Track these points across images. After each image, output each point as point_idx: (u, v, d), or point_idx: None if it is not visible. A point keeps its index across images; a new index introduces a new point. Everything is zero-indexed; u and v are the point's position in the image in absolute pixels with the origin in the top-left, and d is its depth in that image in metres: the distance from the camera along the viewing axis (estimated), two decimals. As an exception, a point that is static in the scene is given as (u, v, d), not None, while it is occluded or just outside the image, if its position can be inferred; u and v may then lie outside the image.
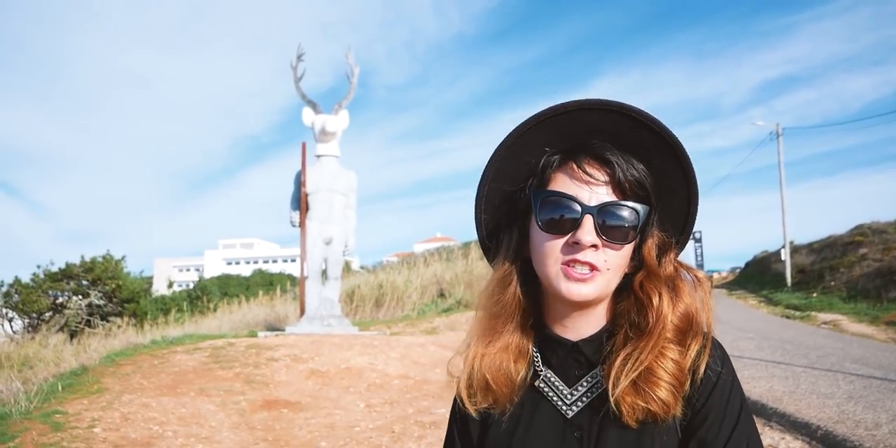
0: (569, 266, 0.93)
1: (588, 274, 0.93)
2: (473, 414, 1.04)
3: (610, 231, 0.93)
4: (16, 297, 16.75)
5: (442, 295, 16.57)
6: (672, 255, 1.01)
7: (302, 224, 9.91)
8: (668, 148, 0.97)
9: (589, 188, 0.94)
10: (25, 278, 17.19)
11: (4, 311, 16.67)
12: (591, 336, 0.99)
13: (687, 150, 0.97)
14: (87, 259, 17.86)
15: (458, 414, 1.09)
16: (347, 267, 23.35)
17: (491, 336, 1.03)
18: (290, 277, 32.46)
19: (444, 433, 1.13)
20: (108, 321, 15.38)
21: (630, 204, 0.94)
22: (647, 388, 0.91)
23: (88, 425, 4.88)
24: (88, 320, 15.84)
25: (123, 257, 18.44)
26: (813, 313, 17.49)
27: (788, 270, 26.48)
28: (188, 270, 78.36)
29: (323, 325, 9.71)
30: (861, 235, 25.16)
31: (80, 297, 17.08)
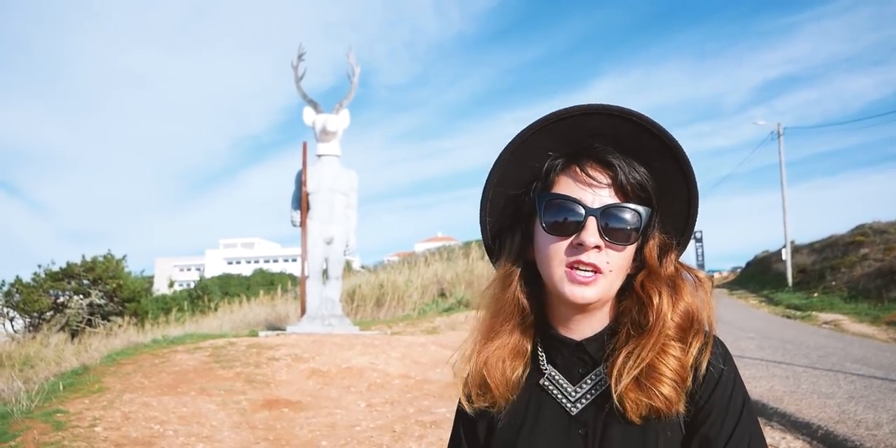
0: (573, 268, 0.94)
1: (591, 277, 0.94)
2: (473, 413, 1.05)
3: (613, 232, 0.95)
4: (17, 297, 16.78)
5: (443, 294, 16.58)
6: (673, 256, 1.03)
7: (303, 224, 9.91)
8: (668, 151, 0.98)
9: (592, 191, 0.96)
10: (26, 278, 17.26)
11: (6, 310, 16.70)
12: (594, 335, 1.01)
13: (687, 152, 0.98)
14: (88, 258, 17.90)
15: (464, 413, 1.09)
16: (348, 266, 23.38)
17: (491, 335, 1.05)
18: (291, 277, 32.50)
19: (446, 433, 1.14)
20: (109, 320, 15.42)
21: (632, 206, 0.96)
22: (649, 384, 0.92)
23: (89, 424, 4.89)
24: (89, 320, 15.87)
25: (124, 257, 18.50)
26: (814, 313, 17.49)
27: (789, 270, 26.46)
28: (189, 270, 78.44)
29: (324, 325, 9.72)
30: (862, 235, 25.12)
31: (81, 296, 17.11)
